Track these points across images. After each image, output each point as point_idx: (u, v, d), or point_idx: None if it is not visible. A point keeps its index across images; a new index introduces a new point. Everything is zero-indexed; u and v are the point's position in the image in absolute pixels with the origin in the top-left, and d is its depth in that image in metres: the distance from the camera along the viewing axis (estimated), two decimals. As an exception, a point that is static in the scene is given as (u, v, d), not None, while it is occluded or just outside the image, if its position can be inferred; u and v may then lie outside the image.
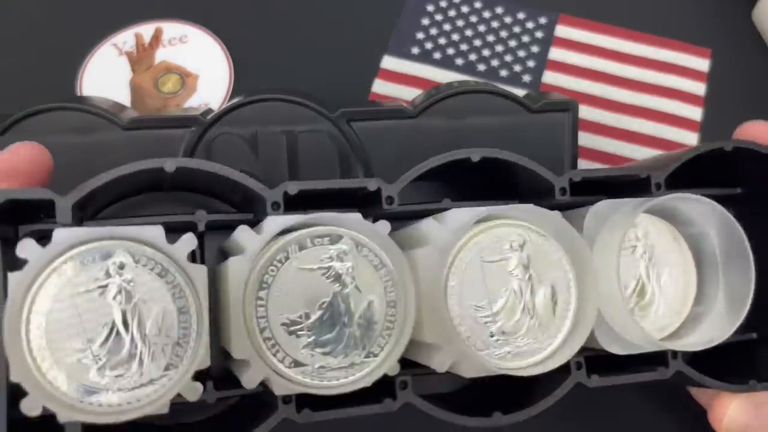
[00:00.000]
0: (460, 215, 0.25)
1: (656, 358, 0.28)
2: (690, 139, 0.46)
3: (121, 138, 0.38)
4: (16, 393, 0.22)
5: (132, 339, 0.22)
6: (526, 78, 0.48)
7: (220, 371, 0.27)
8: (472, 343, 0.25)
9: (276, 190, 0.26)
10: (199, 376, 0.24)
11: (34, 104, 0.37)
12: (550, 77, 0.48)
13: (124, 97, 0.47)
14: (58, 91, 0.46)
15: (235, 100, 0.38)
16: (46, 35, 0.49)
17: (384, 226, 0.25)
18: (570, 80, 0.48)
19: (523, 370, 0.25)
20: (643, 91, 0.48)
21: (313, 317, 0.24)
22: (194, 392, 0.23)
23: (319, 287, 0.24)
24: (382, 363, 0.24)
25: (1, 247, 0.24)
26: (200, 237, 0.29)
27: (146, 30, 0.49)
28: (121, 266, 0.23)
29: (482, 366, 0.25)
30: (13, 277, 0.22)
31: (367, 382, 0.24)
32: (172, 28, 0.49)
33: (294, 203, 0.27)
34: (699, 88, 0.48)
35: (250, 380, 0.24)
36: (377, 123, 0.39)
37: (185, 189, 0.30)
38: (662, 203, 0.26)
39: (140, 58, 0.48)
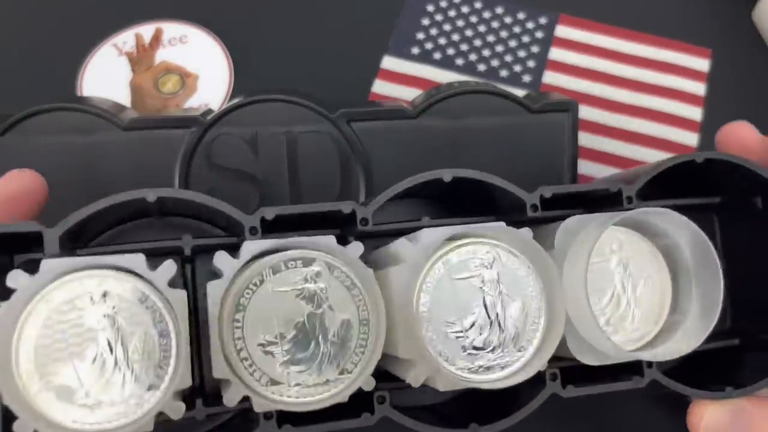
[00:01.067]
0: (430, 234, 0.26)
1: (632, 368, 0.29)
2: (690, 139, 0.46)
3: (120, 138, 0.38)
4: (10, 415, 0.23)
5: (116, 362, 0.24)
6: (526, 78, 0.48)
7: (213, 389, 0.28)
8: (444, 358, 0.26)
9: (254, 216, 0.27)
10: (191, 393, 0.25)
11: (34, 104, 0.37)
12: (550, 77, 0.48)
13: (124, 98, 0.47)
14: (59, 92, 0.46)
15: (235, 101, 0.38)
16: (47, 35, 0.49)
17: (356, 247, 0.26)
18: (570, 80, 0.48)
19: (495, 383, 0.26)
20: (643, 92, 0.48)
21: (288, 337, 0.25)
22: (177, 411, 0.24)
23: (293, 308, 0.25)
24: (356, 379, 0.25)
25: None
26: (191, 261, 0.30)
27: (146, 30, 0.49)
28: (104, 294, 0.24)
29: (455, 381, 0.25)
30: (1, 307, 0.23)
31: (343, 398, 0.25)
32: (172, 29, 0.49)
33: (275, 226, 0.27)
34: (699, 89, 0.48)
35: (229, 399, 0.25)
36: (377, 123, 0.39)
37: (175, 215, 0.31)
38: (630, 217, 0.27)
39: (140, 58, 0.48)
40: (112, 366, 0.24)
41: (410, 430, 0.27)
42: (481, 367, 0.26)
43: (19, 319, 0.23)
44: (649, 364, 0.28)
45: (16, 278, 0.23)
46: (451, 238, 0.26)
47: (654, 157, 0.46)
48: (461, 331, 0.26)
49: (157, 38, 0.49)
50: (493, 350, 0.26)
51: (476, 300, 0.26)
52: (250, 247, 0.25)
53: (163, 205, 0.28)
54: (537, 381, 0.27)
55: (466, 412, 0.30)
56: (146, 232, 0.31)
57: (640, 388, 0.29)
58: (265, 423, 0.25)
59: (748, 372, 0.30)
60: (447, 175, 0.28)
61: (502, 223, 0.27)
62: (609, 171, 0.45)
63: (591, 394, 0.29)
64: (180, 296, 0.24)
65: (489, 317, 0.26)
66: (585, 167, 0.45)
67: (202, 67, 0.48)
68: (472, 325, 0.26)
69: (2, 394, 0.23)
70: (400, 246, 0.26)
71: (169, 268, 0.25)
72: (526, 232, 0.27)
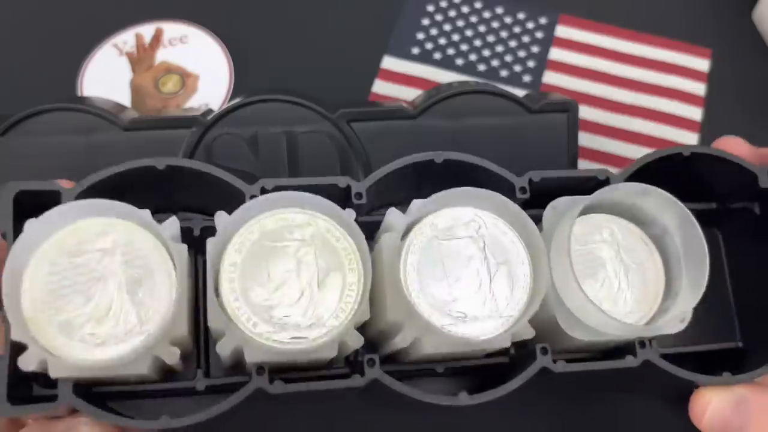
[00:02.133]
0: (417, 202, 0.27)
1: (625, 349, 0.29)
2: (690, 139, 0.46)
3: (121, 139, 0.38)
4: (17, 350, 0.24)
5: (121, 301, 0.25)
6: (527, 78, 0.48)
7: (216, 364, 0.29)
8: (431, 317, 0.26)
9: (254, 186, 0.28)
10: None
11: (34, 104, 0.37)
12: (550, 77, 0.49)
13: (124, 98, 0.47)
14: (59, 92, 0.46)
15: (235, 101, 0.38)
16: (47, 35, 0.49)
17: (350, 213, 0.27)
18: (570, 80, 0.48)
19: (479, 338, 0.26)
20: (644, 92, 0.48)
21: (280, 285, 0.26)
22: (172, 356, 0.25)
23: (285, 261, 0.26)
24: (342, 327, 0.25)
25: (13, 236, 0.25)
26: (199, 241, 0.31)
27: (146, 30, 0.49)
28: (113, 240, 0.26)
29: (443, 339, 0.26)
30: (14, 245, 0.24)
31: (331, 341, 0.25)
32: (172, 29, 0.49)
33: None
34: (699, 89, 0.48)
35: (223, 347, 0.25)
36: (377, 123, 0.39)
37: (182, 209, 0.31)
38: (617, 197, 0.27)
39: (140, 58, 0.48)
40: (116, 304, 0.25)
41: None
42: (466, 324, 0.26)
43: (31, 255, 0.25)
44: (642, 344, 0.28)
45: (30, 223, 0.25)
46: (438, 205, 0.27)
47: (654, 157, 0.46)
48: (448, 292, 0.26)
49: (157, 38, 0.49)
50: (480, 310, 0.26)
51: (463, 263, 0.27)
52: (250, 203, 0.26)
53: (172, 195, 0.29)
54: (528, 356, 0.28)
55: (454, 389, 0.30)
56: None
57: (641, 378, 0.28)
58: (258, 378, 0.26)
59: (749, 369, 0.30)
60: (439, 157, 0.29)
61: (484, 190, 0.27)
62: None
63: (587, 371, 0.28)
64: (182, 249, 0.26)
65: (475, 279, 0.27)
66: (584, 167, 0.45)
67: (202, 67, 0.48)
68: (459, 286, 0.26)
69: (12, 329, 0.24)
70: (390, 215, 0.27)
71: (173, 222, 0.26)
72: (513, 204, 0.27)
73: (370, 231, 0.29)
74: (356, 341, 0.26)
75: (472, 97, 0.39)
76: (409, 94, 0.46)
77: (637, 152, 0.46)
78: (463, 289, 0.27)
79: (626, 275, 0.28)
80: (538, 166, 0.39)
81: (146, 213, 0.26)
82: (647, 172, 0.30)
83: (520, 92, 0.40)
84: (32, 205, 0.26)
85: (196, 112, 0.39)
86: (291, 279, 0.26)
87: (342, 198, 0.29)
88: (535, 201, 0.29)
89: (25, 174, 0.37)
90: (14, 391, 0.24)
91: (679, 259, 0.28)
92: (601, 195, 0.27)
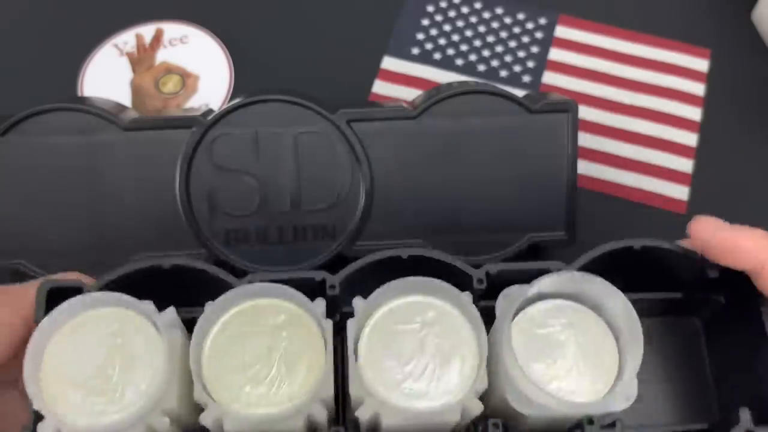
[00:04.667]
0: (379, 290, 0.29)
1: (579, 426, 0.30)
2: (689, 139, 0.46)
3: (121, 139, 0.38)
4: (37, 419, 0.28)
5: (117, 378, 0.28)
6: (526, 78, 0.49)
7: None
8: (386, 395, 0.28)
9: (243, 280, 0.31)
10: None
11: (35, 105, 0.37)
12: (549, 78, 0.49)
13: (124, 98, 0.47)
14: (60, 92, 0.47)
15: (235, 101, 0.38)
16: (47, 36, 0.49)
17: (320, 302, 0.30)
18: (570, 81, 0.49)
19: (431, 412, 0.28)
20: (643, 92, 0.48)
21: (255, 365, 0.29)
22: (163, 425, 0.28)
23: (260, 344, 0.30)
24: (308, 403, 0.28)
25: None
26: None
27: (147, 31, 0.49)
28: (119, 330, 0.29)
29: (395, 411, 0.28)
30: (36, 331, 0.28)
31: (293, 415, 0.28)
32: (172, 29, 0.49)
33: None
34: (698, 89, 0.48)
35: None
36: (377, 124, 0.39)
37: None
38: (564, 284, 0.29)
39: (141, 58, 0.48)
40: (115, 379, 0.28)
41: None
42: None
43: (48, 342, 0.28)
44: (590, 421, 0.29)
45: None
46: (398, 292, 0.30)
47: (653, 157, 0.46)
48: (400, 374, 0.29)
49: (157, 39, 0.49)
50: (426, 394, 0.28)
51: (414, 348, 0.29)
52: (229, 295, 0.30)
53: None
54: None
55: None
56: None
57: None
58: None
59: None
60: (404, 253, 0.32)
61: (439, 281, 0.29)
62: (608, 171, 0.45)
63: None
64: (177, 335, 0.29)
65: (424, 367, 0.29)
66: (584, 167, 0.45)
67: (202, 67, 0.48)
68: (410, 371, 0.29)
69: (33, 402, 0.27)
70: (354, 302, 0.29)
71: (170, 312, 0.29)
72: (465, 295, 0.29)
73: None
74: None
75: (472, 97, 0.39)
76: (409, 94, 0.46)
77: (636, 152, 0.46)
78: (414, 368, 0.29)
79: (582, 357, 0.29)
80: (537, 166, 0.39)
81: (151, 306, 0.29)
82: (612, 262, 0.31)
83: (519, 92, 0.40)
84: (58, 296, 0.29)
85: (197, 113, 0.39)
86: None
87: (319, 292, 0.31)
88: (494, 291, 0.31)
89: (25, 173, 0.37)
90: None
91: (627, 341, 0.29)
92: (546, 280, 0.29)
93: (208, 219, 0.38)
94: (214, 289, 0.30)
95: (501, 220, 0.40)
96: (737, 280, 0.32)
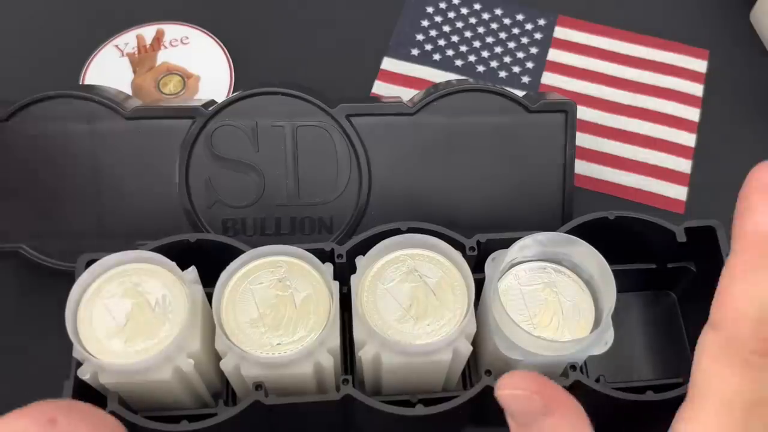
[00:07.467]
0: (378, 245, 0.32)
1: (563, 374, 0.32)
2: (688, 139, 0.46)
3: (123, 127, 0.38)
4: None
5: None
6: (525, 79, 0.49)
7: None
8: (385, 335, 0.30)
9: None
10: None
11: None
12: (548, 78, 0.49)
13: (125, 97, 0.47)
14: (60, 92, 0.47)
15: (236, 93, 0.38)
16: (48, 36, 0.49)
17: (328, 267, 0.32)
18: (568, 81, 0.49)
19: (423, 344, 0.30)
20: (641, 92, 0.48)
21: (267, 313, 0.31)
22: (187, 365, 0.30)
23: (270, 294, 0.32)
24: (316, 340, 0.31)
25: None
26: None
27: (148, 31, 0.50)
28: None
29: (397, 350, 0.30)
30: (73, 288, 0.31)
31: (309, 351, 0.30)
32: (173, 30, 0.50)
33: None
34: (697, 89, 0.48)
35: (226, 363, 0.31)
36: (376, 118, 0.39)
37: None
38: (548, 246, 0.32)
39: (142, 59, 0.49)
40: (151, 321, 0.31)
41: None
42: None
43: (82, 297, 0.31)
44: (573, 367, 0.31)
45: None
46: (395, 247, 0.32)
47: (651, 157, 0.46)
48: (399, 317, 0.31)
49: (158, 39, 0.49)
50: (421, 337, 0.31)
51: (411, 295, 0.32)
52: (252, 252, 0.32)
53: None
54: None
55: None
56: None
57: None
58: (255, 392, 0.31)
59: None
60: (404, 226, 0.34)
61: (434, 238, 0.32)
62: (607, 171, 0.46)
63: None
64: (197, 289, 0.32)
65: (422, 310, 0.31)
66: (583, 167, 0.45)
67: (203, 68, 0.48)
68: (407, 315, 0.31)
69: (74, 350, 0.30)
70: (357, 260, 0.32)
71: (192, 271, 0.32)
72: (458, 254, 0.32)
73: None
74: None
75: (471, 95, 0.39)
76: (409, 95, 0.46)
77: (634, 153, 0.46)
78: (412, 312, 0.31)
79: (562, 312, 0.32)
80: (535, 165, 0.40)
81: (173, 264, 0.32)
82: (590, 235, 0.33)
83: (519, 93, 0.40)
84: None
85: (198, 103, 0.39)
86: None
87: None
88: (485, 259, 0.33)
89: (29, 158, 0.38)
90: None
91: (601, 298, 0.32)
92: (528, 239, 0.32)
93: (206, 208, 0.39)
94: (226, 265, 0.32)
95: (498, 219, 0.40)
96: (704, 244, 0.35)
